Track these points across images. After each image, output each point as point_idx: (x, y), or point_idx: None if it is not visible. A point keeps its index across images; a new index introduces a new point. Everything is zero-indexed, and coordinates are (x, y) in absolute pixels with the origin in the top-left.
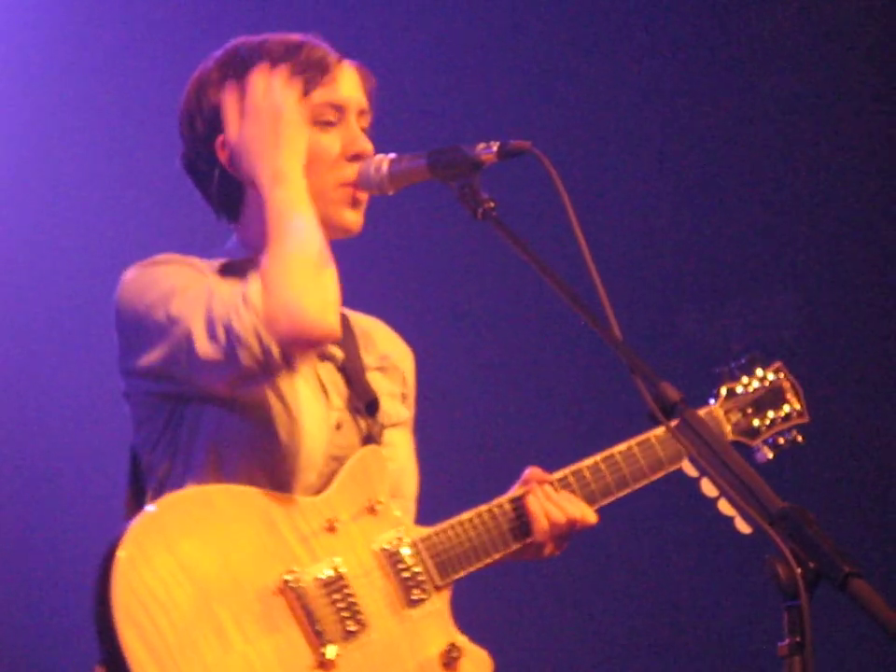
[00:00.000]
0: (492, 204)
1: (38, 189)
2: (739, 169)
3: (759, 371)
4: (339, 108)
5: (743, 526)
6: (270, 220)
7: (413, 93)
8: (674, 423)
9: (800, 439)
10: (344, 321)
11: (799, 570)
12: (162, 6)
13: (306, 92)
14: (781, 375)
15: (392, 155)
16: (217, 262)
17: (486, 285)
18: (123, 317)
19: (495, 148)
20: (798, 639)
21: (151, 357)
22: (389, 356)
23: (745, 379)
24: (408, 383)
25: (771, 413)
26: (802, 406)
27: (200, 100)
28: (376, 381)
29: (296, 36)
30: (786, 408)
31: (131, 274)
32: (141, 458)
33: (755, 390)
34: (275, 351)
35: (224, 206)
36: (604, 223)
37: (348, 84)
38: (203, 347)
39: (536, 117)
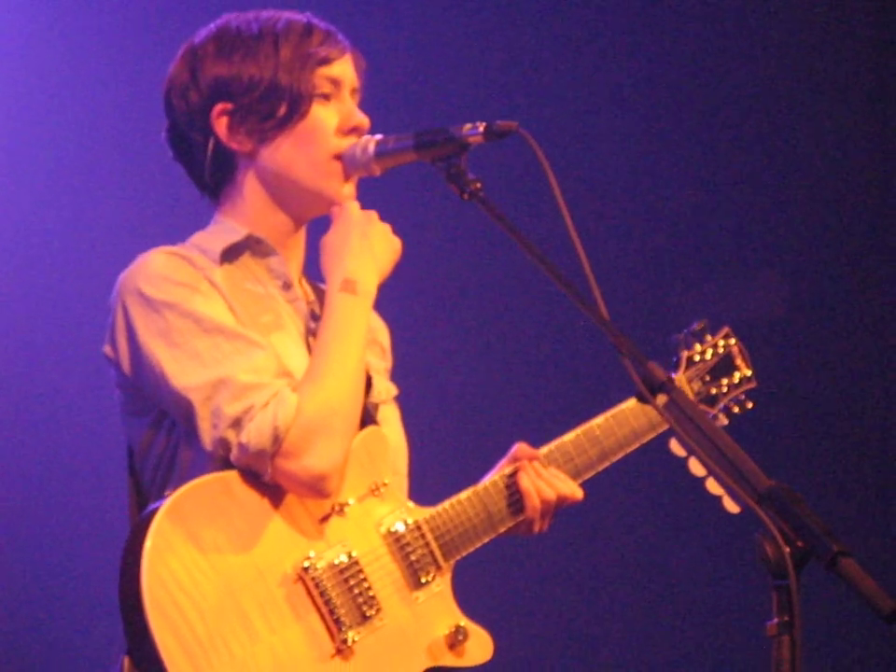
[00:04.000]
0: (478, 185)
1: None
2: (725, 147)
3: (709, 338)
4: (335, 82)
5: (731, 506)
6: (326, 321)
7: (400, 75)
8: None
9: (749, 405)
10: (322, 295)
11: (787, 549)
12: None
13: (313, 71)
14: (731, 341)
15: (378, 136)
16: (217, 249)
17: (473, 265)
18: (125, 330)
19: (481, 129)
20: (787, 619)
21: (143, 382)
22: (370, 328)
23: (698, 346)
24: (387, 355)
25: (725, 381)
26: (751, 371)
27: (194, 71)
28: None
29: (293, 14)
30: (737, 374)
31: (140, 281)
32: (139, 448)
33: (710, 358)
34: (268, 476)
35: (213, 177)
36: (590, 202)
37: (343, 60)
38: (205, 433)
39: (522, 97)
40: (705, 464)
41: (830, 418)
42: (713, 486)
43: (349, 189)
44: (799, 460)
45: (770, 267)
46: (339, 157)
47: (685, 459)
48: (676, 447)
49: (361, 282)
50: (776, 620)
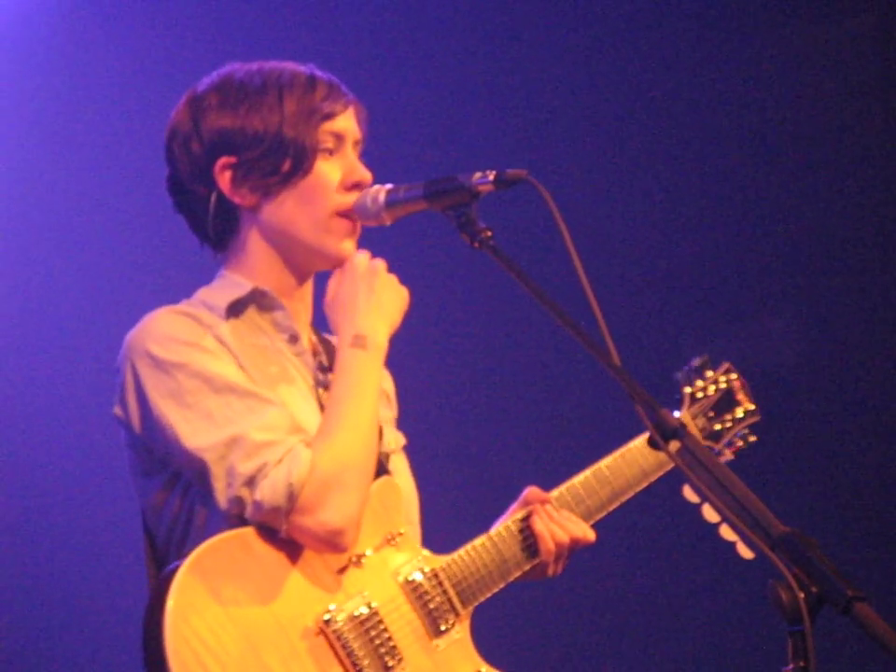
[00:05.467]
0: (489, 233)
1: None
2: (737, 193)
3: (710, 374)
4: (338, 137)
5: (745, 552)
6: (338, 377)
7: (409, 122)
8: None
9: (752, 438)
10: (331, 347)
11: (802, 595)
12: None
13: (318, 126)
14: (733, 376)
15: (389, 186)
16: (223, 304)
17: (485, 310)
18: (134, 391)
19: (491, 178)
20: (802, 664)
21: (155, 442)
22: None
23: (700, 383)
24: (393, 404)
25: (728, 416)
26: (754, 405)
27: (197, 123)
28: None
29: (296, 66)
30: (739, 409)
31: (148, 342)
32: (151, 508)
33: (712, 393)
34: (284, 532)
35: (216, 231)
36: (601, 249)
37: (346, 114)
38: (219, 492)
39: (531, 144)
40: (718, 510)
41: (845, 462)
42: (727, 532)
43: (349, 245)
44: (813, 505)
45: (782, 313)
46: (341, 213)
47: (698, 506)
48: (689, 494)
49: (371, 336)
50: (791, 666)
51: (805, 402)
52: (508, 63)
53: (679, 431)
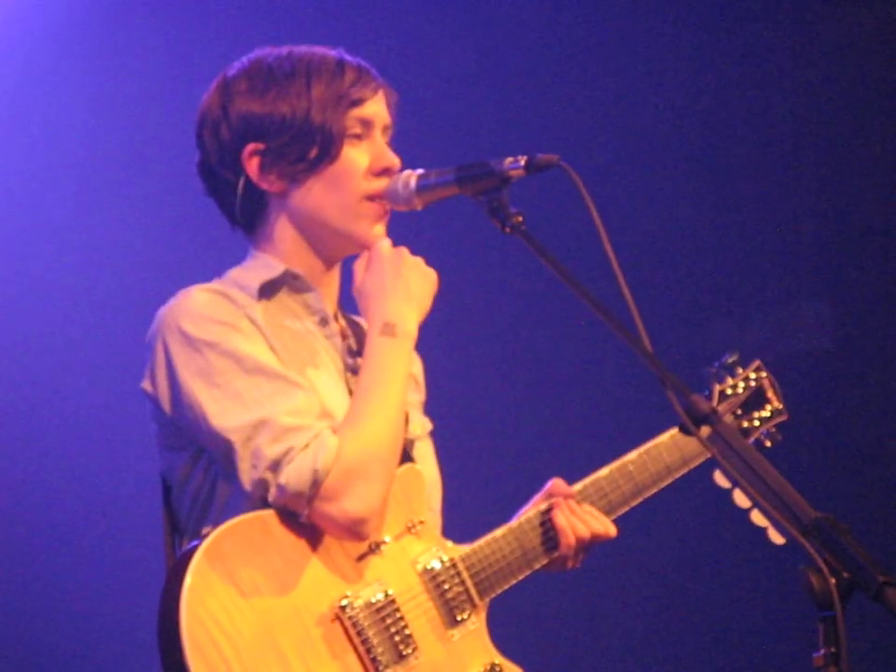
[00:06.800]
0: (520, 218)
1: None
2: (770, 178)
3: (741, 371)
4: (367, 122)
5: (776, 537)
6: (366, 365)
7: (439, 107)
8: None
9: (779, 437)
10: (359, 329)
11: (833, 581)
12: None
13: (346, 112)
14: (762, 374)
15: (420, 171)
16: (255, 284)
17: (513, 296)
18: (165, 367)
19: (522, 163)
20: (833, 650)
21: (182, 419)
22: None
23: (730, 380)
24: (421, 388)
25: (756, 414)
26: (782, 404)
27: (226, 108)
28: None
29: (326, 51)
30: (768, 407)
31: (181, 319)
32: (176, 482)
33: (742, 391)
34: (305, 517)
35: (245, 216)
36: (632, 234)
37: (375, 99)
38: (244, 473)
39: (563, 129)
40: (750, 495)
41: (878, 450)
42: (758, 518)
43: (380, 229)
44: (846, 492)
45: (816, 297)
46: (370, 198)
47: (730, 491)
48: (720, 479)
49: (400, 324)
50: (822, 651)
51: (838, 387)
52: (539, 48)
53: (710, 417)
